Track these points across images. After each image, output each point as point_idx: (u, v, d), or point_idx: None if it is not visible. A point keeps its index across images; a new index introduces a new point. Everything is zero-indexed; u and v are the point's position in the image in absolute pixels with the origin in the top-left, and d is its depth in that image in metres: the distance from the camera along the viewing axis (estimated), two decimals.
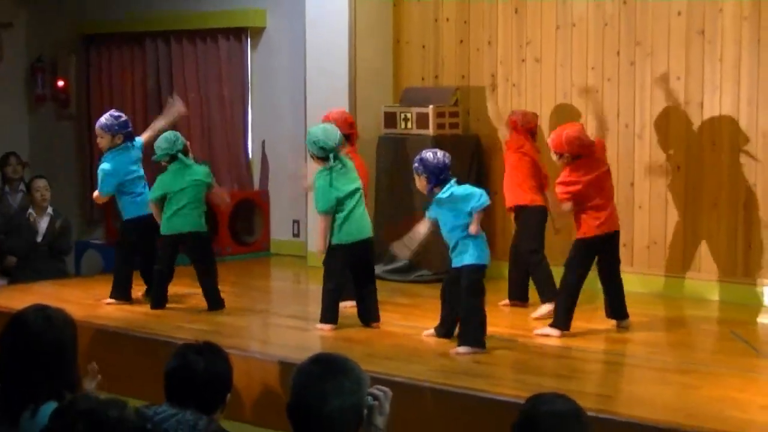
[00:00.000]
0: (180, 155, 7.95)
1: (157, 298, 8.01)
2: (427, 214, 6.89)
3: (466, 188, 6.86)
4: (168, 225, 7.92)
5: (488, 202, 6.82)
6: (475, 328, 6.72)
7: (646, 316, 7.73)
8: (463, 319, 6.77)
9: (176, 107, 8.53)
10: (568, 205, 7.18)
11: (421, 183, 6.89)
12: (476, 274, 6.77)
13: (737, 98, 8.23)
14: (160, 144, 8.00)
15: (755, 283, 8.20)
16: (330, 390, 3.32)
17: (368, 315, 7.44)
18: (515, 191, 7.96)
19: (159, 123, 8.40)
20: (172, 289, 8.10)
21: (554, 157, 7.27)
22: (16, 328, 3.90)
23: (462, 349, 6.67)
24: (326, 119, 7.96)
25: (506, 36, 9.32)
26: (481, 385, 5.91)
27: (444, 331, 7.01)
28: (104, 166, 8.10)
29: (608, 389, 6.12)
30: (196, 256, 8.00)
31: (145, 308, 7.99)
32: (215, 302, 7.96)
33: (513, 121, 8.12)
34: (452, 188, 6.80)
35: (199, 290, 8.05)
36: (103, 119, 8.18)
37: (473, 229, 6.71)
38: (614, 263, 7.33)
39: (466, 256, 6.77)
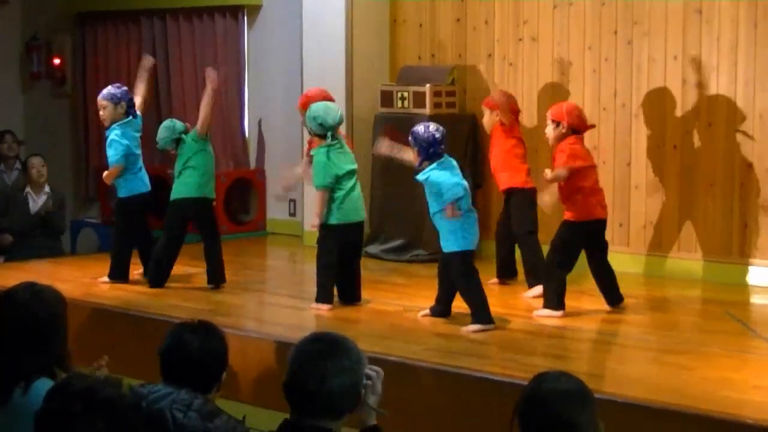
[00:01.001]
0: (183, 136, 7.96)
1: (160, 277, 8.01)
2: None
3: (441, 176, 6.75)
4: (180, 190, 7.92)
5: (457, 196, 6.71)
6: (478, 307, 6.76)
7: (640, 296, 7.74)
8: (467, 303, 6.83)
9: (145, 62, 8.51)
10: (564, 172, 7.05)
11: (414, 156, 6.90)
12: (463, 260, 6.79)
13: (734, 78, 8.22)
14: (161, 134, 8.00)
15: (750, 263, 8.21)
16: (330, 368, 3.34)
17: (349, 294, 7.45)
18: (509, 174, 7.95)
19: (140, 84, 8.35)
20: None
21: (549, 129, 7.23)
22: (5, 305, 3.91)
23: (472, 327, 6.71)
24: (305, 98, 7.95)
25: (503, 14, 9.29)
26: (476, 364, 5.92)
27: (440, 310, 7.02)
28: (115, 134, 7.97)
29: (601, 369, 6.13)
30: (206, 223, 8.00)
31: (141, 287, 7.98)
32: (219, 276, 7.97)
33: (501, 103, 8.02)
34: (431, 172, 6.77)
35: (195, 269, 8.05)
36: (105, 90, 8.13)
37: (446, 214, 6.71)
38: (605, 250, 7.32)
39: (450, 243, 6.79)
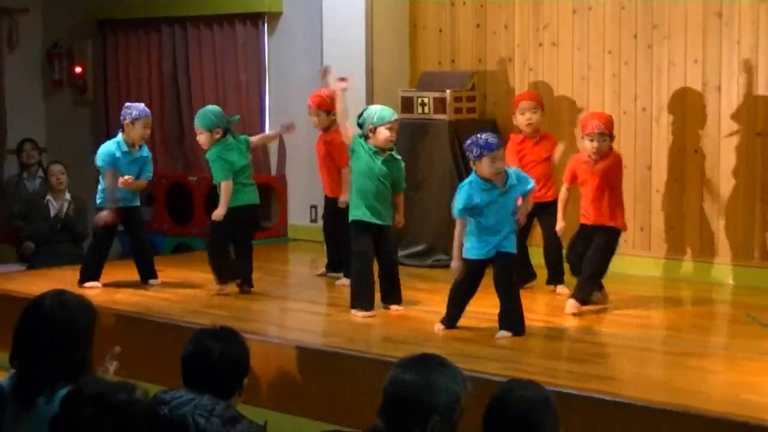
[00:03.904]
0: (230, 130, 7.97)
1: (226, 272, 8.00)
2: None
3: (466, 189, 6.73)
4: (238, 198, 7.86)
5: (455, 214, 6.71)
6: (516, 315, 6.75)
7: (661, 300, 7.72)
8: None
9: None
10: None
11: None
12: (465, 265, 6.75)
13: (755, 81, 8.20)
14: (216, 114, 7.92)
15: None
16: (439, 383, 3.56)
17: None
18: None
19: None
20: (188, 274, 8.12)
21: (596, 144, 7.17)
22: (32, 312, 3.93)
23: (501, 334, 6.68)
24: (317, 97, 8.26)
25: (523, 19, 9.29)
26: (495, 368, 5.89)
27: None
28: (148, 152, 8.28)
29: (623, 373, 6.12)
30: (251, 231, 8.12)
31: (162, 293, 8.02)
32: (249, 282, 8.01)
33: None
34: (472, 178, 6.76)
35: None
36: (142, 106, 8.28)
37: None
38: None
39: (468, 249, 6.77)
